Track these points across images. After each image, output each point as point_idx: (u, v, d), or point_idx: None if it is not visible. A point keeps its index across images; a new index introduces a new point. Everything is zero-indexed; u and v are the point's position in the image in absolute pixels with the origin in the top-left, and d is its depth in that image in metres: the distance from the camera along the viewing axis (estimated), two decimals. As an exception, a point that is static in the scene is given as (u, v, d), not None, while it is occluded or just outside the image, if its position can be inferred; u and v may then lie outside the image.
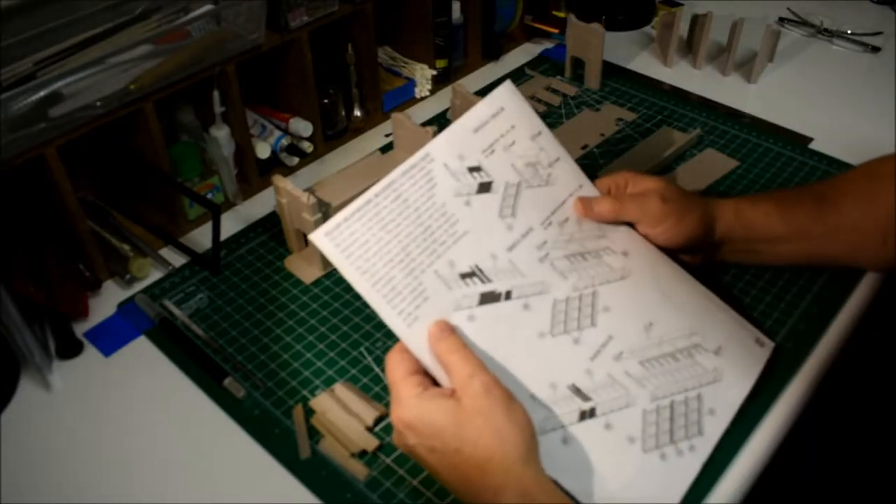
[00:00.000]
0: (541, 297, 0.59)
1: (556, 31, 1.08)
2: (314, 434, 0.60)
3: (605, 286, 0.62)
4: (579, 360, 0.58)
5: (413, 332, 0.55)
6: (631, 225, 0.65)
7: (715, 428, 0.57)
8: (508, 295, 0.58)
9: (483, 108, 0.62)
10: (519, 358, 0.57)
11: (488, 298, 0.58)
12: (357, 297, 0.54)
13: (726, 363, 0.60)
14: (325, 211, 0.72)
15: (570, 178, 0.65)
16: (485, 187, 0.60)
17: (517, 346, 0.57)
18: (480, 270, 0.58)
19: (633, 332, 0.60)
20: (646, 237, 0.65)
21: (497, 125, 0.62)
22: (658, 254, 0.65)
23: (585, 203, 0.64)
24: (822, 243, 0.67)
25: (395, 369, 0.52)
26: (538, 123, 0.64)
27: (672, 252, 0.66)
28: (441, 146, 0.59)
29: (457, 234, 0.58)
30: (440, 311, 0.56)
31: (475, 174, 0.60)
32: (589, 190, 0.66)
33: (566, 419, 0.55)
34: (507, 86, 0.63)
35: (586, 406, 0.56)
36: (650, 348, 0.59)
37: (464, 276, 0.57)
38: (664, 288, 0.63)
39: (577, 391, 0.57)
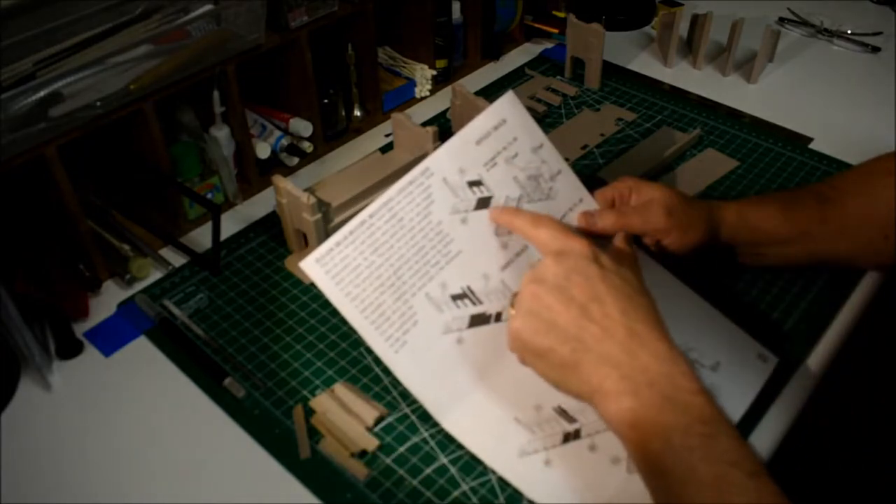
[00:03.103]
0: None
1: (556, 31, 1.08)
2: (314, 434, 0.60)
3: None
4: None
5: (400, 357, 0.55)
6: (634, 236, 0.65)
7: None
8: (499, 317, 0.58)
9: (485, 119, 0.61)
10: (505, 380, 0.57)
11: (478, 320, 0.58)
12: (357, 297, 0.54)
13: (724, 379, 0.59)
14: (325, 211, 0.72)
15: (570, 192, 0.64)
16: (483, 203, 0.59)
17: (504, 368, 0.57)
18: (472, 292, 0.58)
19: None
20: (651, 248, 0.65)
21: (499, 137, 0.61)
22: (656, 266, 0.65)
23: (589, 218, 0.63)
24: (826, 243, 0.67)
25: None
26: (540, 135, 0.63)
27: (673, 259, 0.66)
28: (442, 159, 0.58)
29: (450, 254, 0.58)
30: (429, 334, 0.56)
31: (475, 189, 0.59)
32: (589, 203, 0.65)
33: (549, 441, 0.56)
34: (509, 96, 0.62)
35: (571, 428, 0.56)
36: None
37: (455, 297, 0.57)
38: (661, 302, 0.63)
39: (562, 413, 0.57)
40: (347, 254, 0.54)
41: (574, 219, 0.63)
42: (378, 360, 0.65)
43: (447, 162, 0.58)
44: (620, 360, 0.49)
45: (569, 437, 0.56)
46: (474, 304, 0.58)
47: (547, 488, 0.54)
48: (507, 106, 0.62)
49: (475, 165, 0.60)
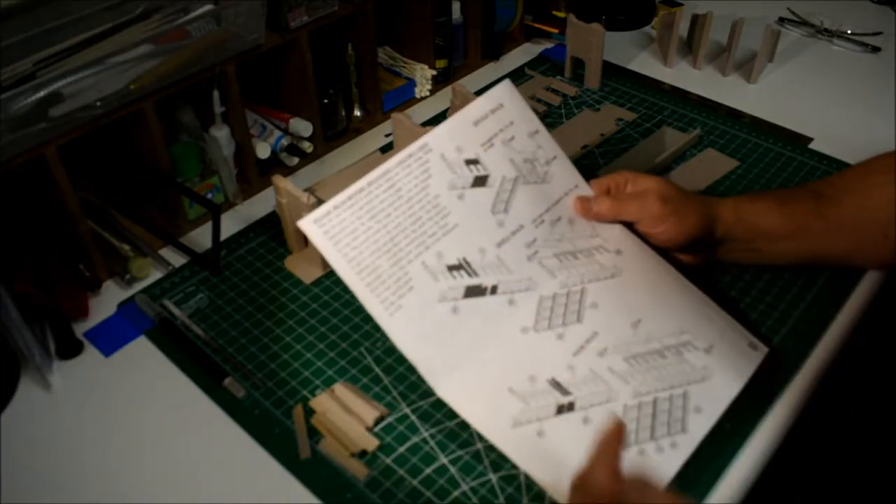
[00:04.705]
0: (527, 293, 0.60)
1: (556, 31, 1.08)
2: (314, 434, 0.60)
3: (595, 283, 0.62)
4: (561, 355, 0.58)
5: (395, 321, 0.55)
6: (629, 225, 0.65)
7: (700, 426, 0.56)
8: (494, 289, 0.59)
9: (483, 102, 0.63)
10: (499, 351, 0.57)
11: (474, 292, 0.58)
12: (357, 297, 0.54)
13: (716, 362, 0.59)
14: (325, 211, 0.72)
15: (566, 177, 0.65)
16: (480, 181, 0.61)
17: (499, 340, 0.58)
18: (468, 263, 0.59)
19: (619, 328, 0.60)
20: (646, 237, 0.65)
21: (496, 120, 0.63)
22: (652, 253, 0.65)
23: (584, 202, 0.64)
24: (823, 240, 0.67)
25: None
26: (536, 122, 0.65)
27: (671, 252, 0.66)
28: (440, 137, 0.60)
29: (447, 226, 0.59)
30: (424, 300, 0.56)
31: (472, 167, 0.61)
32: (584, 189, 0.66)
33: (543, 412, 0.55)
34: (506, 84, 0.64)
35: (565, 400, 0.56)
36: (636, 345, 0.59)
37: (451, 268, 0.58)
38: (656, 287, 0.63)
39: (556, 385, 0.57)
40: (345, 217, 0.56)
41: (569, 202, 0.64)
42: (378, 360, 0.65)
43: (446, 139, 0.60)
44: None
45: (562, 409, 0.56)
46: (470, 275, 0.58)
47: (539, 459, 0.54)
48: (505, 92, 0.64)
49: (473, 145, 0.61)
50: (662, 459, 0.54)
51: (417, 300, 0.56)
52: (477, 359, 0.57)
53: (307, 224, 0.55)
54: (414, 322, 0.56)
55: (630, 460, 0.54)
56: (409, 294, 0.56)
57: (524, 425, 0.55)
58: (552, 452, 0.54)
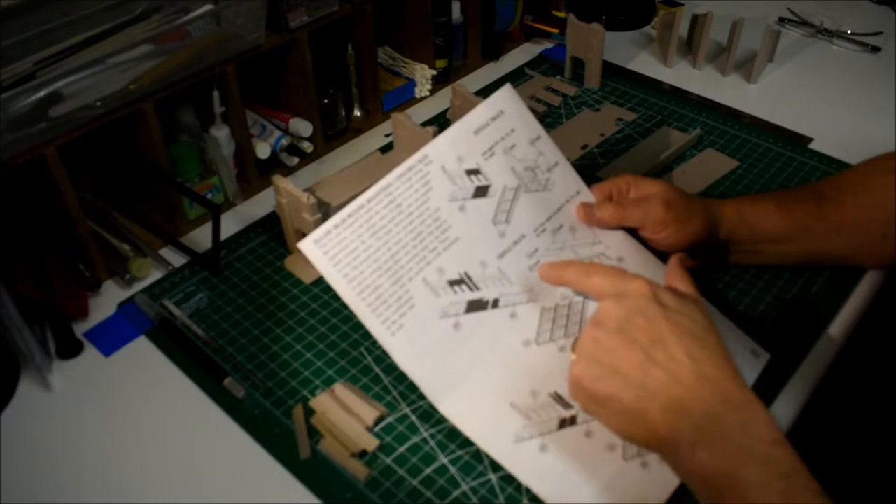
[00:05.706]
0: (528, 305, 0.59)
1: (556, 31, 1.08)
2: (314, 434, 0.60)
3: None
4: (563, 367, 0.57)
5: (397, 340, 0.55)
6: (630, 230, 0.65)
7: None
8: (496, 303, 0.59)
9: (483, 110, 0.62)
10: (501, 366, 0.57)
11: (475, 306, 0.58)
12: (357, 297, 0.54)
13: None
14: (325, 211, 0.72)
15: (567, 184, 0.65)
16: (481, 191, 0.60)
17: (500, 354, 0.57)
18: (469, 278, 0.58)
19: None
20: (649, 242, 0.65)
21: (497, 128, 0.62)
22: (653, 259, 0.65)
23: (587, 209, 0.64)
24: (824, 241, 0.67)
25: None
26: (537, 127, 0.64)
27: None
28: (441, 147, 0.59)
29: (448, 240, 0.58)
30: (426, 318, 0.56)
31: (473, 177, 0.60)
32: (586, 195, 0.65)
33: (545, 427, 0.55)
34: (507, 89, 0.63)
35: (567, 414, 0.56)
36: None
37: (452, 283, 0.58)
38: None
39: (558, 399, 0.57)
40: (345, 236, 0.55)
41: (571, 209, 0.64)
42: (378, 360, 0.65)
43: (446, 150, 0.59)
44: (690, 408, 0.46)
45: (564, 423, 0.56)
46: (472, 290, 0.58)
47: (542, 474, 0.54)
48: (505, 98, 0.63)
49: (473, 154, 0.60)
50: (665, 470, 0.54)
51: (419, 318, 0.56)
52: (478, 374, 0.57)
53: (307, 245, 0.54)
54: (415, 340, 0.56)
55: (632, 472, 0.54)
56: (411, 312, 0.56)
57: (526, 441, 0.55)
58: (555, 467, 0.54)
